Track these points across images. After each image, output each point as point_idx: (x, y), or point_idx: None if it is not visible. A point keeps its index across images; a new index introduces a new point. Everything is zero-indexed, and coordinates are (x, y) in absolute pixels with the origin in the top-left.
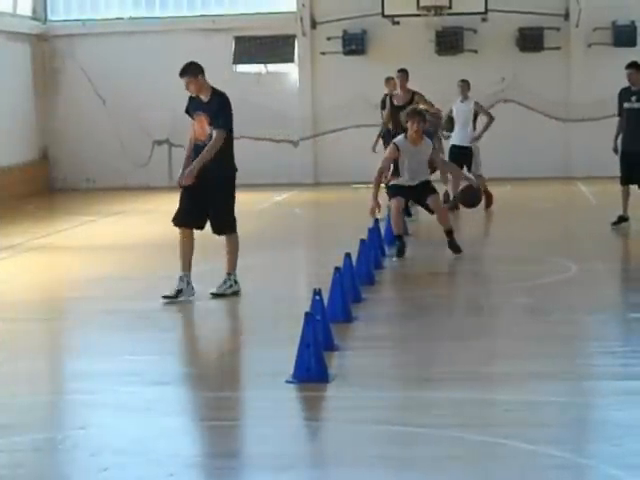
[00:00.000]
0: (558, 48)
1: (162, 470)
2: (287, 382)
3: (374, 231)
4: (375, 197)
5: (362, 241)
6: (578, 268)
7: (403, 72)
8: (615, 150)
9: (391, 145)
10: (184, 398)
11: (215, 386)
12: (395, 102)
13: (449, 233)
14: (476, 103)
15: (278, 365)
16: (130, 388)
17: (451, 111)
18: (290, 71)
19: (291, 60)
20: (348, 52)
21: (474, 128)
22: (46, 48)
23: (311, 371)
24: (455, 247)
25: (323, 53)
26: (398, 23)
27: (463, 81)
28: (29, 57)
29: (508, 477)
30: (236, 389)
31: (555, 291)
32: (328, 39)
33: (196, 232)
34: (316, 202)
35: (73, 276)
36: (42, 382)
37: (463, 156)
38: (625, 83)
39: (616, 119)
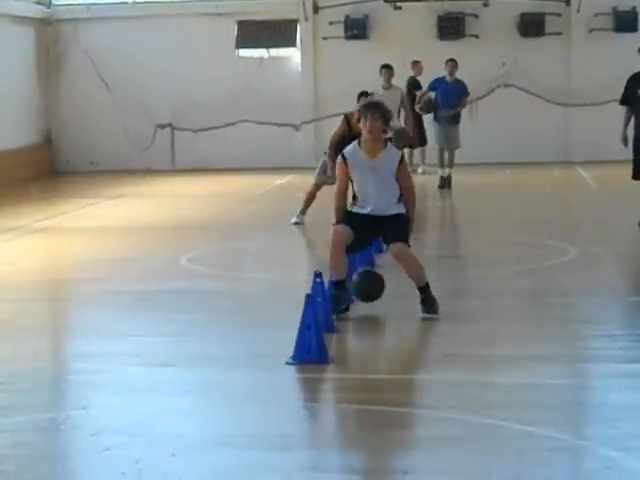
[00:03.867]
0: (559, 33)
1: (164, 450)
2: (287, 363)
3: None
4: None
5: None
6: (578, 252)
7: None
8: (624, 141)
9: (338, 158)
10: (186, 379)
11: (216, 367)
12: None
13: (423, 289)
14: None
15: (278, 346)
16: (132, 368)
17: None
18: (292, 56)
19: (293, 45)
20: (350, 37)
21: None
22: (50, 32)
23: (311, 353)
24: (429, 304)
25: (325, 38)
26: (400, 8)
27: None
28: (33, 41)
29: (506, 458)
30: (236, 370)
31: (554, 274)
32: (330, 24)
33: None
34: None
35: (76, 258)
36: (45, 362)
37: None
38: (629, 69)
39: (614, 104)
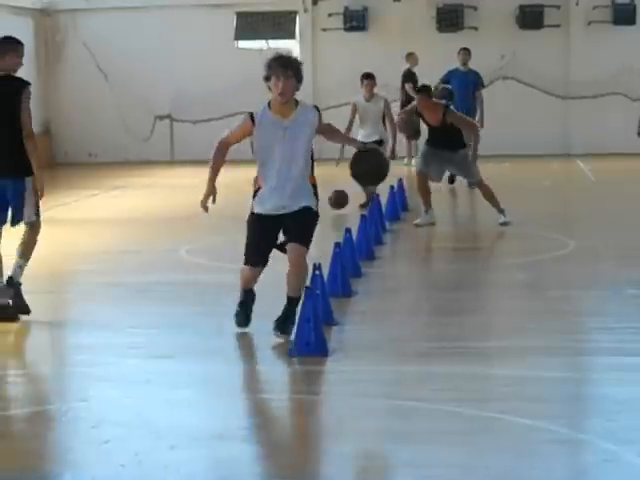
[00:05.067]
0: (558, 26)
1: (163, 442)
2: (287, 355)
3: (375, 207)
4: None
5: (362, 216)
6: (576, 245)
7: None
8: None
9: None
10: (185, 371)
11: (215, 359)
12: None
13: (292, 300)
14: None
15: (278, 339)
16: (131, 361)
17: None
18: (291, 47)
19: (292, 36)
20: (349, 28)
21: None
22: (49, 23)
23: (311, 345)
24: (287, 321)
25: (324, 29)
26: (399, 0)
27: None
28: (32, 32)
29: (504, 451)
30: (236, 362)
31: (553, 267)
32: (329, 15)
33: None
34: (316, 177)
35: (75, 249)
36: (44, 354)
37: None
38: (628, 61)
39: (614, 97)
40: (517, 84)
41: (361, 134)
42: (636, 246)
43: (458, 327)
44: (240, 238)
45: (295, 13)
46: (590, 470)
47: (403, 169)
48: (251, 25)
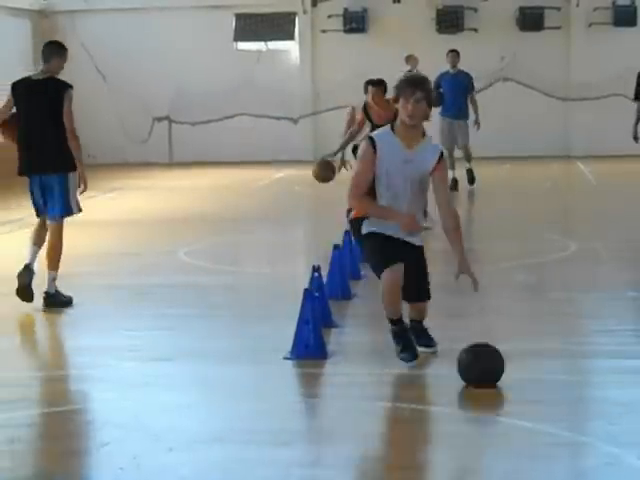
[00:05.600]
0: (558, 28)
1: (161, 445)
2: (285, 358)
3: None
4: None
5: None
6: (577, 247)
7: (381, 84)
8: (635, 138)
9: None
10: (183, 374)
11: (214, 362)
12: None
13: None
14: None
15: (276, 341)
16: (129, 363)
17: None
18: (290, 49)
19: (292, 38)
20: (349, 30)
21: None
22: (47, 24)
23: (309, 348)
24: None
25: (324, 31)
26: (399, 1)
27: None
28: (30, 33)
29: (505, 454)
30: (234, 365)
31: (554, 269)
32: (329, 17)
33: None
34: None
35: (73, 251)
36: (41, 357)
37: None
38: (628, 63)
39: (614, 99)
40: (517, 86)
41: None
42: (637, 248)
43: (458, 329)
44: (240, 239)
45: (294, 14)
46: (591, 473)
47: None
48: (250, 26)
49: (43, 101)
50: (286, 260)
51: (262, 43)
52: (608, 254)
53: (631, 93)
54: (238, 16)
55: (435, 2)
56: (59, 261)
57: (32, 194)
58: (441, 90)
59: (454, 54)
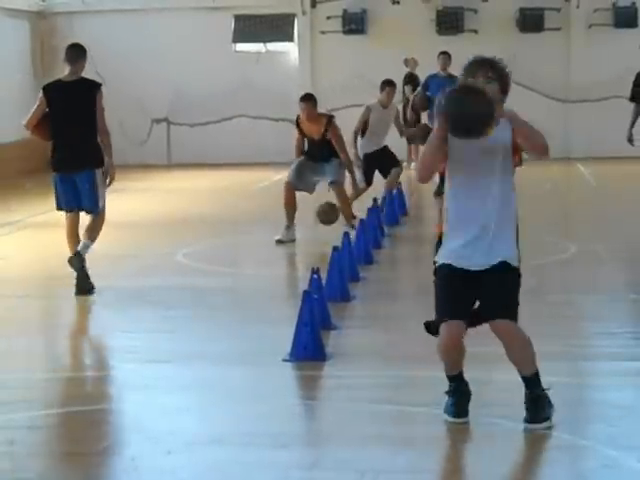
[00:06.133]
0: (558, 29)
1: (160, 447)
2: (284, 360)
3: (373, 211)
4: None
5: (361, 220)
6: (577, 249)
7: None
8: (630, 140)
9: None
10: (182, 376)
11: (212, 364)
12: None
13: (529, 381)
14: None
15: (275, 343)
16: (128, 365)
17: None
18: (290, 50)
19: (291, 39)
20: (348, 31)
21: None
22: (45, 25)
23: (308, 350)
24: (537, 407)
25: (323, 32)
26: (398, 2)
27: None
28: (28, 34)
29: (504, 457)
30: (233, 367)
31: (554, 272)
32: (328, 18)
33: None
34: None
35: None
36: (40, 359)
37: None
38: (628, 65)
39: (614, 100)
40: (517, 87)
41: (374, 142)
42: (637, 250)
43: None
44: (239, 241)
45: (293, 16)
46: (591, 476)
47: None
48: (249, 28)
49: (76, 101)
50: (285, 262)
51: (261, 44)
52: (608, 256)
53: None
54: (237, 17)
55: (434, 3)
56: (97, 236)
57: (58, 189)
58: (429, 93)
59: (445, 56)
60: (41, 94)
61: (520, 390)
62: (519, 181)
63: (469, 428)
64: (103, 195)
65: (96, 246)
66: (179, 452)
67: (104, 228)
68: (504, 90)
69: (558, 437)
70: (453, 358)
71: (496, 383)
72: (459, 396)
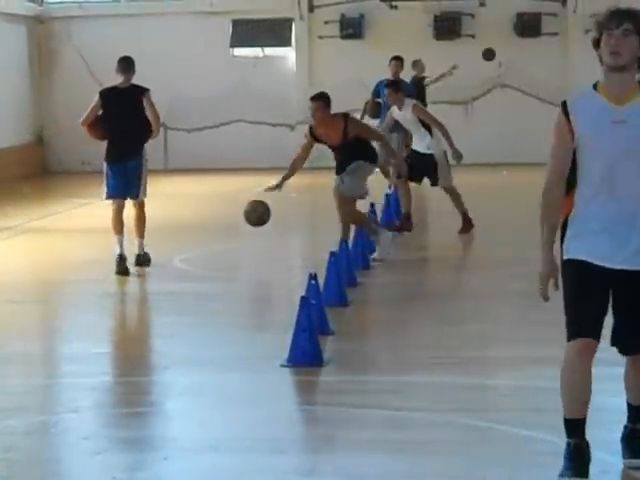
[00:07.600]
0: (556, 34)
1: (156, 454)
2: (282, 366)
3: (371, 216)
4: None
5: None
6: None
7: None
8: None
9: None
10: (178, 382)
11: (209, 369)
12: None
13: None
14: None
15: (273, 349)
16: (125, 371)
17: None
18: (287, 55)
19: (288, 44)
20: (345, 36)
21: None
22: (42, 30)
23: (306, 355)
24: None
25: (320, 37)
26: (396, 7)
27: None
28: (25, 39)
29: (501, 462)
30: (230, 372)
31: None
32: (325, 23)
33: None
34: (312, 186)
35: (68, 259)
36: (35, 365)
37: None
38: None
39: None
40: (514, 92)
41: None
42: None
43: (455, 337)
44: (236, 247)
45: (291, 20)
46: None
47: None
48: (247, 32)
49: (131, 104)
50: (283, 267)
51: (259, 49)
52: None
53: None
54: (235, 22)
55: (432, 8)
56: (144, 229)
57: (110, 178)
58: (379, 100)
59: (398, 62)
60: (97, 98)
61: (517, 395)
62: (516, 185)
63: (466, 433)
64: (145, 185)
65: (93, 251)
66: (175, 458)
67: (101, 233)
68: None
69: (554, 442)
70: (577, 386)
71: (493, 388)
72: (580, 460)
